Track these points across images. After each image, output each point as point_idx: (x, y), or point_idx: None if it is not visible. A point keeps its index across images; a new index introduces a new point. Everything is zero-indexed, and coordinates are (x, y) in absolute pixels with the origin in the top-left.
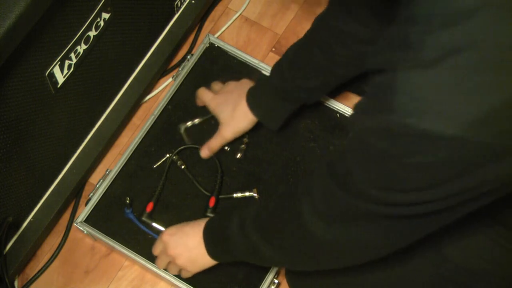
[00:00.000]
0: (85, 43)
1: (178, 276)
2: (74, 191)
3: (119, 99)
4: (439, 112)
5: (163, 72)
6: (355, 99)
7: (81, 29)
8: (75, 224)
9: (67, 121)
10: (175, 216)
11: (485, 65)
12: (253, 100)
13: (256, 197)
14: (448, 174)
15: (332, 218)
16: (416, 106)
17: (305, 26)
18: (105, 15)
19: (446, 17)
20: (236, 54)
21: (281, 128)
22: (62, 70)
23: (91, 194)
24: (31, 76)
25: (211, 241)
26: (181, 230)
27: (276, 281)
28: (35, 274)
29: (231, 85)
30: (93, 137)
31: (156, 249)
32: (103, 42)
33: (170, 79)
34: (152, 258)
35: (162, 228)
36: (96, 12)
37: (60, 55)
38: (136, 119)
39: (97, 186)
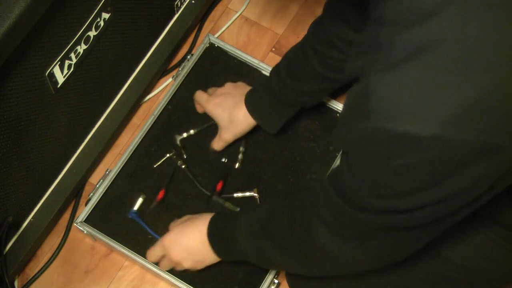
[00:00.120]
0: (85, 43)
1: (178, 276)
2: (74, 191)
3: (119, 99)
4: (414, 113)
5: (163, 72)
6: None
7: (81, 29)
8: (75, 224)
9: (67, 121)
10: (175, 216)
11: (452, 64)
12: (252, 103)
13: (257, 196)
14: (436, 175)
15: (338, 230)
16: (391, 109)
17: (305, 26)
18: (105, 15)
19: (412, 16)
20: (236, 54)
21: (281, 128)
22: (62, 70)
23: (91, 194)
24: (31, 76)
25: (218, 245)
26: (182, 234)
27: (276, 281)
28: (35, 274)
29: (228, 86)
30: (93, 137)
31: (154, 256)
32: (103, 42)
33: (170, 79)
34: None
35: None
36: (96, 12)
37: (60, 55)
38: (136, 119)
39: (97, 186)
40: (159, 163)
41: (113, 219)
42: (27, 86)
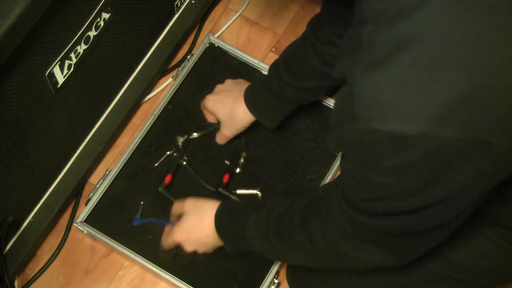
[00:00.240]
0: (85, 43)
1: (178, 275)
2: (74, 191)
3: (119, 99)
4: (399, 112)
5: (163, 72)
6: None
7: (81, 29)
8: (75, 224)
9: (67, 121)
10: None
11: (433, 61)
12: (251, 99)
13: (259, 195)
14: (430, 173)
15: (351, 233)
16: (376, 109)
17: (305, 26)
18: (105, 15)
19: (393, 14)
20: (236, 54)
21: (281, 128)
22: (62, 70)
23: (91, 194)
24: (31, 76)
25: (227, 238)
26: (190, 229)
27: (276, 281)
28: (35, 274)
29: (228, 83)
30: (93, 137)
31: (168, 246)
32: (103, 42)
33: (170, 79)
34: (152, 258)
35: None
36: (96, 12)
37: (60, 55)
38: (136, 119)
39: (97, 186)
40: (159, 161)
41: (113, 219)
42: (27, 86)
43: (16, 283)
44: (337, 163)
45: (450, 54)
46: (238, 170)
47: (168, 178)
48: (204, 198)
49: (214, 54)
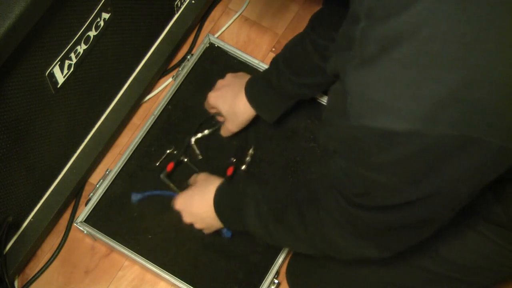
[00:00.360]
0: (85, 43)
1: (178, 275)
2: (74, 191)
3: (119, 99)
4: (388, 108)
5: (163, 72)
6: None
7: (81, 29)
8: (75, 224)
9: (67, 121)
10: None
11: (423, 58)
12: (251, 93)
13: None
14: (418, 170)
15: (344, 225)
16: (366, 106)
17: (305, 26)
18: (105, 15)
19: (385, 11)
20: (236, 54)
21: (281, 128)
22: (62, 70)
23: (91, 194)
24: (31, 76)
25: (225, 219)
26: (191, 201)
27: (276, 281)
28: (35, 274)
29: (228, 77)
30: (93, 137)
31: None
32: (103, 42)
33: (170, 79)
34: (152, 258)
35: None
36: (96, 12)
37: (60, 55)
38: (136, 119)
39: (97, 186)
40: (160, 160)
41: (113, 219)
42: (27, 86)
43: (16, 283)
44: None
45: (441, 52)
46: (243, 167)
47: (170, 166)
48: (217, 176)
49: (214, 54)
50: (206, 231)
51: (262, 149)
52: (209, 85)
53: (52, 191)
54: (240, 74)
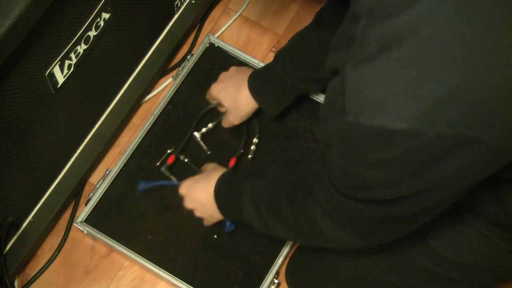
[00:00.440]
0: (85, 43)
1: (178, 275)
2: (74, 191)
3: (119, 99)
4: (386, 107)
5: (163, 72)
6: None
7: (81, 29)
8: (75, 224)
9: (67, 121)
10: (176, 215)
11: (422, 58)
12: (253, 85)
13: None
14: (412, 168)
15: (331, 212)
16: (364, 104)
17: (306, 26)
18: (105, 15)
19: (385, 10)
20: (236, 54)
21: (281, 128)
22: (62, 70)
23: (91, 194)
24: (31, 76)
25: (224, 208)
26: (194, 187)
27: (276, 281)
28: (35, 274)
29: (232, 70)
30: (93, 137)
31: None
32: (103, 42)
33: (170, 79)
34: (152, 258)
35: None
36: (96, 12)
37: (60, 55)
38: (136, 119)
39: (97, 186)
40: (160, 160)
41: (113, 219)
42: (27, 86)
43: (16, 283)
44: None
45: (441, 52)
46: (249, 156)
47: (171, 159)
48: (224, 167)
49: (214, 54)
50: (206, 223)
51: (262, 149)
52: (209, 85)
53: (52, 191)
54: (244, 67)
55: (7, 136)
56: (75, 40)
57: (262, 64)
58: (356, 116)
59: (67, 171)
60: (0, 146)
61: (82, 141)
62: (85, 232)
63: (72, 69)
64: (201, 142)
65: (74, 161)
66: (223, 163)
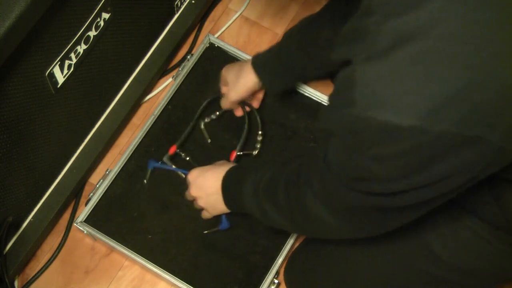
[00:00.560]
0: (85, 43)
1: (178, 275)
2: (74, 191)
3: (119, 99)
4: (395, 103)
5: (163, 72)
6: None
7: (81, 29)
8: (75, 224)
9: (67, 121)
10: (176, 214)
11: (434, 56)
12: (257, 59)
13: None
14: (413, 165)
15: (326, 200)
16: (374, 98)
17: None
18: (105, 15)
19: (399, 6)
20: (236, 54)
21: (281, 128)
22: (62, 70)
23: (91, 194)
24: (31, 76)
25: (228, 196)
26: (204, 175)
27: (276, 281)
28: (35, 274)
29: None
30: (93, 137)
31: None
32: (103, 42)
33: (170, 79)
34: (152, 258)
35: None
36: (96, 12)
37: (60, 55)
38: (136, 119)
39: (97, 186)
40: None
41: (113, 219)
42: (27, 86)
43: (16, 283)
44: None
45: (451, 51)
46: (255, 152)
47: (172, 149)
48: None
49: (214, 54)
50: (204, 214)
51: (262, 149)
52: (209, 85)
53: (52, 191)
54: None
55: (7, 136)
56: (75, 40)
57: None
58: (365, 109)
59: (67, 171)
60: (0, 146)
61: (82, 141)
62: (85, 232)
63: (72, 69)
64: (204, 131)
65: (74, 161)
66: (222, 158)
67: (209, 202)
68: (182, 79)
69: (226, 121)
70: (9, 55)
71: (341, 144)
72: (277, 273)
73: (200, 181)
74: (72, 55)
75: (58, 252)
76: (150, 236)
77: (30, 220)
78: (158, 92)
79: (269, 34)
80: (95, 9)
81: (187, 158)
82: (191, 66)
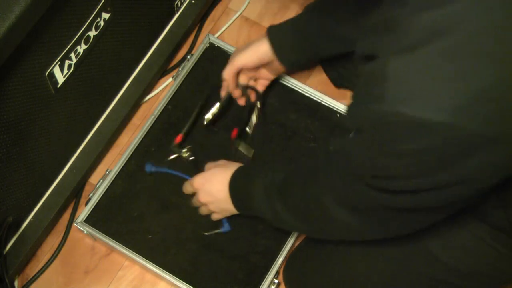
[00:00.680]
0: (85, 43)
1: (178, 275)
2: (74, 191)
3: (119, 99)
4: (426, 98)
5: (163, 72)
6: None
7: (81, 29)
8: (75, 224)
9: (67, 121)
10: (176, 215)
11: (467, 51)
12: (273, 28)
13: None
14: (439, 162)
15: (345, 200)
16: (405, 93)
17: None
18: (105, 15)
19: None
20: None
21: (281, 128)
22: (62, 70)
23: (91, 194)
24: (31, 76)
25: (237, 199)
26: (210, 180)
27: (276, 281)
28: (35, 274)
29: None
30: (93, 137)
31: (187, 191)
32: (103, 42)
33: (170, 79)
34: (152, 258)
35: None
36: (96, 12)
37: (60, 55)
38: (136, 119)
39: (97, 186)
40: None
41: (113, 219)
42: (27, 86)
43: (16, 283)
44: None
45: (485, 47)
46: (255, 120)
47: (178, 138)
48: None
49: (214, 54)
50: (215, 216)
51: (262, 149)
52: (209, 85)
53: (52, 191)
54: None
55: (7, 136)
56: (75, 40)
57: None
58: (394, 104)
59: (67, 171)
60: (0, 146)
61: (82, 141)
62: (85, 232)
63: (72, 69)
64: (210, 127)
65: (74, 161)
66: (222, 158)
67: (220, 206)
68: (182, 79)
69: (226, 121)
70: (9, 55)
71: (366, 141)
72: (277, 273)
73: (208, 187)
74: (72, 55)
75: (58, 252)
76: (150, 236)
77: (30, 220)
78: (158, 92)
79: None
80: (95, 9)
81: (191, 158)
82: (191, 66)
